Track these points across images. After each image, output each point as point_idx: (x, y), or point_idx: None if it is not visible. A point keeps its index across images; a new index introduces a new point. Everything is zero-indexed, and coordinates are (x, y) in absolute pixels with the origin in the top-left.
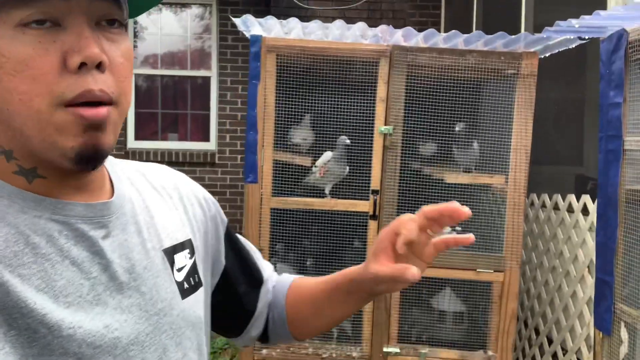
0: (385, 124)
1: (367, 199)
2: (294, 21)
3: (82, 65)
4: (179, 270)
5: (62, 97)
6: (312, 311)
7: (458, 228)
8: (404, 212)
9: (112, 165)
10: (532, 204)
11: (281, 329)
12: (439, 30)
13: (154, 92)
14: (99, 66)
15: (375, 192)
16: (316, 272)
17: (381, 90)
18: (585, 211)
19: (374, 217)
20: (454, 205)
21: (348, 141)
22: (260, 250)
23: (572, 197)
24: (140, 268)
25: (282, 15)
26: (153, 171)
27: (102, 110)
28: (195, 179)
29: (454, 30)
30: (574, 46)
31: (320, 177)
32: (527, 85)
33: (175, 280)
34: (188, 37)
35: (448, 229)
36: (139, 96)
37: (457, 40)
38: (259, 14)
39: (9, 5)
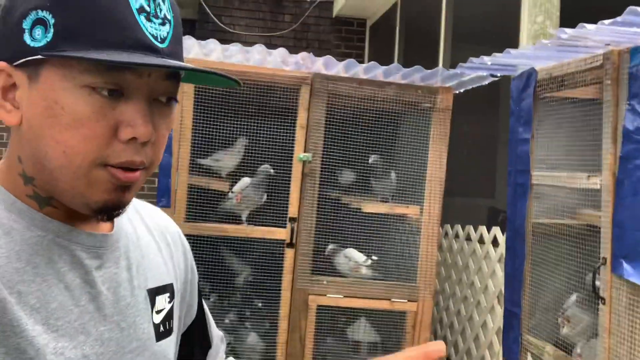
0: (305, 151)
1: (285, 227)
2: (213, 43)
3: (132, 138)
4: (158, 312)
5: (105, 161)
6: None
7: (374, 257)
8: (321, 241)
9: None
10: (446, 234)
11: None
12: (363, 62)
13: None
14: (146, 143)
15: (292, 219)
16: (219, 306)
17: (301, 117)
18: (495, 243)
19: (290, 245)
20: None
21: (272, 170)
22: None
23: (483, 229)
24: (124, 304)
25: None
26: (148, 211)
27: (136, 176)
28: None
29: (373, 62)
30: (486, 83)
31: (237, 202)
32: (442, 119)
33: (153, 322)
34: None
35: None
36: None
37: (377, 71)
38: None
39: (83, 67)
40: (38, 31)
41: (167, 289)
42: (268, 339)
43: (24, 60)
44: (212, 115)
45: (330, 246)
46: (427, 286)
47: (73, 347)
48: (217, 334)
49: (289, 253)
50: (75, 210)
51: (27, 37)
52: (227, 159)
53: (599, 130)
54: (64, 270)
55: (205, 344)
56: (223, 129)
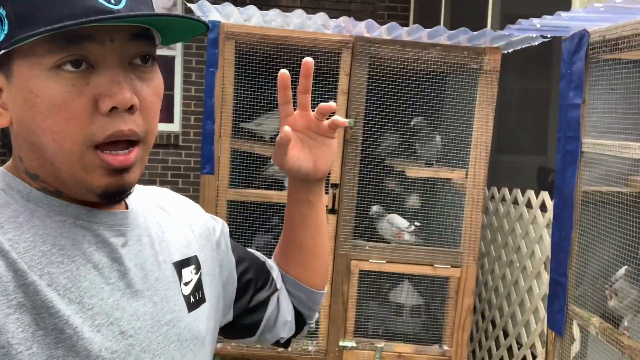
0: (347, 117)
1: (327, 193)
2: (252, 8)
3: (114, 108)
4: (186, 284)
5: (93, 139)
6: (293, 245)
7: (417, 223)
8: (363, 206)
9: None
10: (492, 197)
11: (300, 291)
12: (408, 18)
13: None
14: (130, 108)
15: (334, 185)
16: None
17: (343, 82)
18: (543, 207)
19: (332, 211)
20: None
21: None
22: None
23: (531, 193)
24: (152, 279)
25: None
26: (157, 193)
27: (130, 158)
28: (158, 161)
29: (416, 25)
30: (537, 43)
31: (279, 168)
32: (490, 81)
33: (183, 294)
34: None
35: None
36: None
37: (421, 33)
38: (220, 1)
39: (44, 49)
40: None
41: (191, 261)
42: None
43: None
44: (253, 81)
45: (374, 208)
46: (471, 252)
47: (110, 324)
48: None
49: (331, 219)
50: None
51: None
52: (269, 122)
53: None
54: (90, 250)
55: (266, 269)
56: (264, 95)
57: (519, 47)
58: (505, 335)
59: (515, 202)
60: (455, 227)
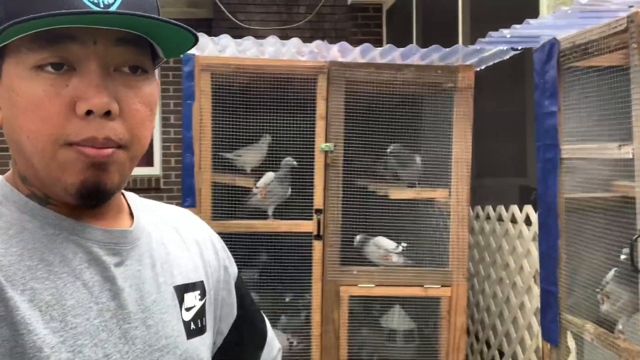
0: (326, 141)
1: (311, 219)
2: (226, 38)
3: (90, 112)
4: (188, 309)
5: (67, 140)
6: None
7: (404, 244)
8: (349, 231)
9: (134, 201)
10: (477, 216)
11: None
12: (381, 44)
13: None
14: (108, 114)
15: (318, 211)
16: (260, 296)
17: (320, 107)
18: (528, 221)
19: (318, 237)
20: None
21: (294, 162)
22: None
23: (514, 208)
24: (149, 301)
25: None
26: (173, 212)
27: (106, 151)
28: None
29: (389, 45)
30: (507, 57)
31: (262, 198)
32: (465, 98)
33: (183, 319)
34: None
35: (393, 244)
36: None
37: (394, 54)
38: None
39: (27, 48)
40: None
41: (196, 286)
42: (302, 335)
43: None
44: (231, 112)
45: (359, 237)
46: (460, 270)
47: (93, 345)
48: (272, 336)
49: (317, 245)
50: (79, 207)
51: None
52: (249, 155)
53: (628, 98)
54: (80, 267)
55: (258, 339)
56: (243, 125)
57: (491, 63)
58: (501, 355)
59: (500, 218)
60: (443, 246)
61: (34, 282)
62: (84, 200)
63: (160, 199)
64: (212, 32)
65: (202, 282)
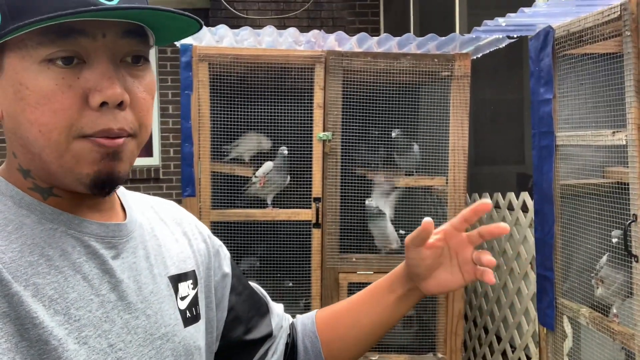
0: (324, 130)
1: (310, 207)
2: (223, 28)
3: (104, 103)
4: (182, 299)
5: (81, 132)
6: (350, 322)
7: (402, 232)
8: (347, 219)
9: (123, 194)
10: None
11: (316, 358)
12: (378, 32)
13: None
14: (120, 104)
15: (317, 199)
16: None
17: (318, 96)
18: (525, 208)
19: (317, 225)
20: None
21: (286, 152)
22: None
23: (511, 195)
24: (147, 292)
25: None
26: (160, 204)
27: (119, 140)
28: None
29: (386, 34)
30: (503, 45)
31: (261, 187)
32: (461, 86)
33: (179, 308)
34: None
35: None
36: None
37: (391, 43)
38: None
39: (36, 42)
40: None
41: (189, 276)
42: None
43: None
44: (230, 101)
45: (371, 202)
46: None
47: (97, 336)
48: (274, 304)
49: (315, 233)
50: (81, 199)
51: None
52: (248, 143)
53: (622, 85)
54: (79, 261)
55: (260, 310)
56: (242, 115)
57: (488, 51)
58: (499, 340)
59: (497, 205)
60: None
61: (36, 277)
62: (97, 190)
63: (159, 189)
64: (209, 22)
65: (193, 271)
